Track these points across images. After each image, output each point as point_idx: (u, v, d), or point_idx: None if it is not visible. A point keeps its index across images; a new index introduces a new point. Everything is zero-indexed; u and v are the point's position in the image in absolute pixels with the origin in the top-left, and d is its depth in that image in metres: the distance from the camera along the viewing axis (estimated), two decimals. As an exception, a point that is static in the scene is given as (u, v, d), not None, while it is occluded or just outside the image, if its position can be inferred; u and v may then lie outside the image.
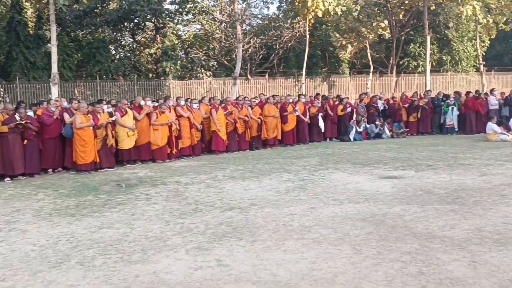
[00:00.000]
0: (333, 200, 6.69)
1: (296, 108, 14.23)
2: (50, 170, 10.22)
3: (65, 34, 24.88)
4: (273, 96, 14.91)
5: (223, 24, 28.42)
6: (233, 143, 13.02)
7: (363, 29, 25.72)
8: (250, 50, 26.80)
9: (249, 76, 27.05)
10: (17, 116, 9.59)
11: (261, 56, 27.86)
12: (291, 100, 14.64)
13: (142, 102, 11.63)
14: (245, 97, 14.66)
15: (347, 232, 5.12)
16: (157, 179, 8.97)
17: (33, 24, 23.85)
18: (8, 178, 9.37)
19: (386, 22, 26.52)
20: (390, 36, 28.26)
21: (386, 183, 7.82)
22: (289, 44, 27.42)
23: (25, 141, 9.69)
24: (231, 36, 26.90)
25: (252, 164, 10.51)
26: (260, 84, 26.01)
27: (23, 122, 9.52)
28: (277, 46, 27.48)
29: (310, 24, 25.26)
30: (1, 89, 21.54)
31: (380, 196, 6.82)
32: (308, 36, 24.90)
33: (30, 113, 10.27)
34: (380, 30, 25.89)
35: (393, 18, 27.94)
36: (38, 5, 20.14)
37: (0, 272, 4.26)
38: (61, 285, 3.92)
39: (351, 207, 6.26)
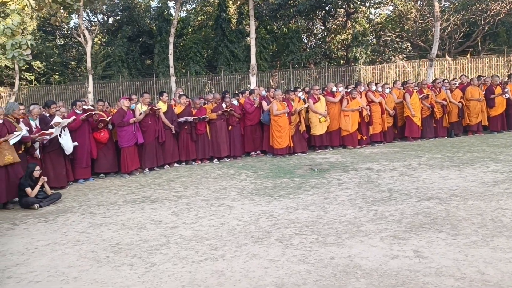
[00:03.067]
0: (556, 196, 5.71)
1: (506, 90, 12.52)
2: (252, 153, 11.13)
3: (262, 27, 26.64)
4: (478, 77, 13.39)
5: (418, 3, 26.62)
6: (429, 129, 12.16)
7: None
8: (449, 28, 24.55)
9: (447, 56, 24.86)
10: (223, 105, 10.68)
11: (462, 34, 25.26)
12: (498, 81, 12.93)
13: (334, 89, 11.71)
14: (443, 80, 13.51)
15: None
16: (348, 165, 8.96)
17: (235, 20, 26.17)
18: (216, 160, 10.54)
19: None
20: None
21: None
22: (497, 18, 24.19)
23: (230, 127, 10.73)
24: (428, 15, 25.04)
25: (451, 152, 9.67)
26: (461, 65, 23.65)
27: (229, 110, 10.54)
28: (482, 21, 24.52)
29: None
30: (208, 81, 24.30)
31: None
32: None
33: (234, 101, 11.32)
34: None
35: None
36: (239, 2, 21.95)
37: (212, 241, 4.82)
38: (263, 259, 4.23)
39: None
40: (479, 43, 26.70)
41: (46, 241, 5.25)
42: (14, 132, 7.21)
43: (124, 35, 26.30)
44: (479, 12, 24.10)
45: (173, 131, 10.02)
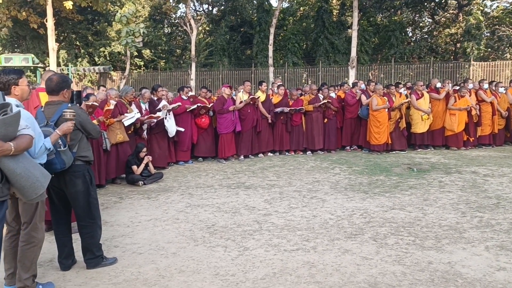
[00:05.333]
0: None
1: None
2: (348, 147, 10.93)
3: (365, 19, 25.88)
4: None
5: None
6: (548, 134, 11.03)
7: None
8: None
9: None
10: (320, 97, 10.58)
11: None
12: None
13: (439, 85, 11.06)
14: None
15: None
16: (451, 166, 8.44)
17: (337, 11, 25.70)
18: (310, 152, 10.50)
19: None
20: None
21: None
22: None
23: (326, 119, 10.61)
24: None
25: None
26: None
27: (326, 101, 10.42)
28: None
29: None
30: (305, 72, 24.20)
31: None
32: None
33: (332, 94, 11.16)
34: None
35: None
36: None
37: (304, 232, 4.83)
38: (355, 255, 4.14)
39: None
40: None
41: (148, 216, 5.63)
42: (127, 114, 7.79)
43: (227, 24, 27.07)
44: None
45: (269, 121, 10.15)
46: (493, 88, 11.22)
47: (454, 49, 25.65)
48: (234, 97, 9.98)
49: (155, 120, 8.56)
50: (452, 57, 25.68)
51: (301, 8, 29.04)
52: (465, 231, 4.76)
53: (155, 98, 9.17)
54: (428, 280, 3.58)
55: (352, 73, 19.07)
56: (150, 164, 7.85)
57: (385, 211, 5.59)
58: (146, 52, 25.67)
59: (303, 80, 23.99)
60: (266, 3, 26.05)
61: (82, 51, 25.13)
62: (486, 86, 11.11)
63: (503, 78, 19.87)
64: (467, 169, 8.16)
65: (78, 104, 3.92)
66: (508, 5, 27.14)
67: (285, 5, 29.37)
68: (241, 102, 9.74)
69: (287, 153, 10.50)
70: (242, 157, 9.92)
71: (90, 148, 3.98)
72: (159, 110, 8.66)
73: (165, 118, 8.78)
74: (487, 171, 7.93)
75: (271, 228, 5.00)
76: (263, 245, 4.46)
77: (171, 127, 8.88)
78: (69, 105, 3.73)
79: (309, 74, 24.18)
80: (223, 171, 8.63)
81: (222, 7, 29.63)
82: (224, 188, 7.12)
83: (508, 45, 23.82)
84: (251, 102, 9.82)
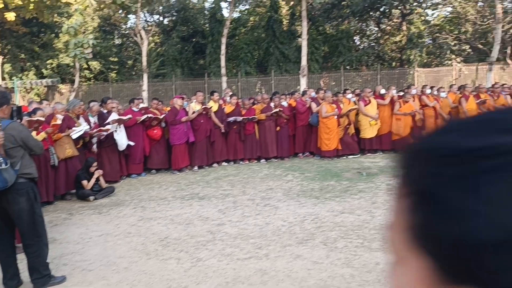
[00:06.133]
0: None
1: None
2: (300, 154, 11.12)
3: (314, 28, 26.48)
4: (541, 82, 12.70)
5: (478, 4, 25.57)
6: (486, 135, 11.67)
7: None
8: (511, 31, 23.41)
9: (508, 60, 23.72)
10: (272, 105, 10.74)
11: (525, 36, 24.01)
12: None
13: (383, 91, 11.49)
14: (503, 85, 12.93)
15: None
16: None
17: (287, 21, 26.19)
18: (264, 160, 10.62)
19: None
20: None
21: None
22: None
23: (278, 127, 10.78)
24: (488, 16, 23.99)
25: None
26: (523, 69, 22.52)
27: (277, 111, 10.59)
28: (548, 23, 23.20)
29: None
30: (259, 82, 24.47)
31: None
32: None
33: (283, 102, 11.35)
34: None
35: None
36: (292, 2, 21.95)
37: (257, 240, 4.89)
38: (306, 260, 4.24)
39: None
40: (545, 47, 25.26)
41: (99, 231, 5.51)
42: (74, 128, 7.61)
43: (178, 35, 26.99)
44: (545, 14, 22.84)
45: (223, 131, 10.20)
46: (435, 93, 11.77)
47: (399, 56, 26.70)
48: (187, 108, 9.97)
49: (105, 134, 8.41)
50: (398, 64, 26.72)
51: (252, 18, 29.38)
52: (410, 231, 4.97)
53: (105, 111, 9.01)
54: (375, 281, 3.72)
55: (303, 81, 19.45)
56: (101, 178, 7.69)
57: (335, 215, 5.75)
58: (96, 64, 25.15)
59: (257, 89, 24.23)
60: (219, 13, 26.19)
61: (28, 63, 24.28)
62: (428, 91, 11.65)
63: (445, 83, 20.87)
64: (413, 171, 8.50)
65: (18, 120, 3.82)
66: (447, 13, 28.61)
67: (236, 15, 29.64)
68: (193, 112, 9.74)
69: (241, 162, 10.56)
70: (196, 167, 9.89)
71: (33, 165, 3.88)
72: (109, 123, 8.52)
73: (115, 131, 8.64)
74: (431, 172, 8.30)
75: (225, 238, 5.03)
76: (216, 255, 4.48)
77: (121, 140, 8.74)
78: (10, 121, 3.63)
79: (262, 83, 24.46)
80: (177, 182, 8.58)
81: (173, 18, 29.52)
82: (177, 199, 7.09)
83: (448, 52, 25.04)
84: (204, 112, 9.84)
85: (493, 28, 21.31)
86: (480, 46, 25.39)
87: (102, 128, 8.32)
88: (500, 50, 21.49)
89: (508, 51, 24.36)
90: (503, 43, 23.15)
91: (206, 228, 5.45)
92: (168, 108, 10.52)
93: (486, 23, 24.14)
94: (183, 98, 10.13)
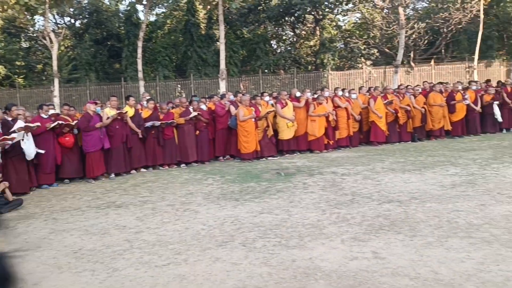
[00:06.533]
0: (508, 198, 5.98)
1: (466, 96, 12.98)
2: (221, 157, 11.15)
3: (231, 32, 26.71)
4: (439, 83, 13.84)
5: (384, 10, 27.30)
6: (394, 134, 12.48)
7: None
8: (413, 36, 25.25)
9: (412, 63, 25.56)
10: (191, 109, 10.68)
11: (426, 41, 26.00)
12: (459, 88, 13.39)
13: (298, 94, 11.88)
14: (407, 86, 13.92)
15: (524, 234, 4.53)
16: (314, 169, 9.11)
17: (205, 24, 26.17)
18: (184, 165, 10.52)
19: None
20: None
21: None
22: (459, 26, 25.03)
23: (197, 131, 10.73)
24: (393, 22, 25.70)
25: (414, 157, 9.96)
26: (425, 72, 24.39)
27: (196, 114, 10.54)
28: (445, 29, 25.32)
29: (486, 3, 22.72)
30: (178, 86, 24.19)
31: None
32: (482, 16, 22.46)
33: (203, 106, 11.33)
34: None
35: None
36: (208, 7, 21.98)
37: (176, 246, 4.83)
38: (226, 262, 4.27)
39: (531, 206, 5.51)
40: (442, 51, 27.56)
41: (4, 248, 5.13)
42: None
43: (91, 38, 25.92)
44: (442, 21, 24.91)
45: (140, 136, 9.95)
46: (347, 94, 12.38)
47: (314, 60, 27.75)
48: (101, 113, 9.61)
49: (10, 143, 7.85)
50: (313, 67, 27.76)
51: (169, 22, 29.00)
52: (324, 227, 5.19)
53: (9, 119, 8.42)
54: (292, 277, 3.83)
55: (222, 85, 19.53)
56: (7, 191, 7.17)
57: (255, 216, 5.84)
58: (1, 68, 23.39)
59: (177, 93, 23.93)
60: (134, 16, 25.51)
61: None
62: (340, 93, 12.23)
63: (356, 85, 22.03)
64: (327, 170, 8.88)
65: None
66: (357, 19, 30.24)
67: (153, 18, 29.08)
68: (108, 118, 9.41)
69: (160, 168, 10.37)
70: (113, 175, 9.56)
71: None
72: (15, 131, 7.96)
73: (22, 139, 8.10)
74: (345, 170, 8.72)
75: (142, 246, 4.91)
76: (134, 264, 4.36)
77: (29, 149, 8.21)
78: None
79: (182, 87, 24.21)
80: (92, 191, 8.23)
81: (86, 20, 28.28)
82: (92, 209, 6.80)
83: (359, 56, 26.45)
84: (119, 118, 9.54)
85: (398, 34, 22.88)
86: (387, 50, 27.13)
87: (6, 137, 7.76)
88: (404, 54, 23.13)
89: (412, 55, 26.26)
90: (407, 47, 24.94)
91: (123, 237, 5.28)
92: (81, 114, 10.08)
93: (391, 28, 25.83)
94: (96, 103, 9.76)
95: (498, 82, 15.12)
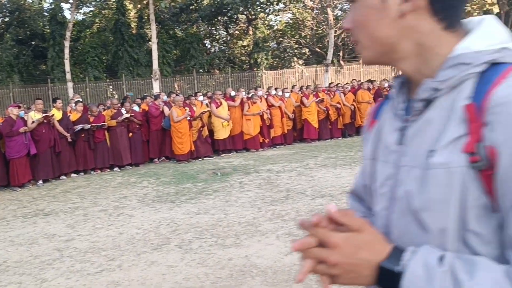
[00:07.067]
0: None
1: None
2: (156, 159, 10.95)
3: (164, 32, 26.27)
4: (367, 81, 14.47)
5: (314, 11, 28.07)
6: (325, 131, 12.89)
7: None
8: (342, 36, 26.19)
9: (341, 62, 26.50)
10: (123, 110, 10.40)
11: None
12: (386, 85, 14.07)
13: (233, 93, 11.96)
14: (337, 84, 14.42)
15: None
16: (250, 167, 9.20)
17: (136, 24, 25.53)
18: (117, 168, 10.23)
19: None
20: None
21: None
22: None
23: (130, 133, 10.48)
24: (323, 23, 26.50)
25: (344, 152, 10.34)
26: (354, 70, 25.35)
27: (129, 116, 10.29)
28: (371, 29, 26.42)
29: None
30: (110, 86, 23.43)
31: None
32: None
33: (136, 107, 11.07)
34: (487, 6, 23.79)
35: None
36: (139, 6, 21.48)
37: (110, 252, 4.71)
38: (161, 265, 4.22)
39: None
40: (370, 50, 28.71)
41: None
42: None
43: (13, 37, 24.45)
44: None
45: (69, 140, 9.56)
46: (280, 93, 12.61)
47: (248, 59, 27.96)
48: (25, 117, 9.11)
49: None
50: (247, 67, 27.96)
51: (98, 21, 28.00)
52: (260, 224, 5.27)
53: None
54: (228, 276, 3.86)
55: (156, 85, 19.19)
56: None
57: (191, 217, 5.81)
58: None
59: (109, 94, 23.15)
60: (60, 15, 24.34)
61: None
62: (274, 92, 12.44)
63: (290, 84, 22.48)
64: (263, 168, 9.01)
65: None
66: (289, 19, 30.83)
67: (80, 17, 27.93)
68: (33, 122, 8.94)
69: (92, 172, 10.02)
70: (41, 181, 9.10)
71: None
72: None
73: None
74: (280, 167, 8.89)
75: (74, 254, 4.73)
76: (64, 273, 4.20)
77: None
78: None
79: (114, 87, 23.46)
80: (18, 200, 7.80)
81: (7, 19, 26.62)
82: (19, 218, 6.45)
83: (292, 55, 27.01)
84: (45, 121, 9.10)
85: (327, 33, 23.62)
86: (318, 49, 27.92)
87: None
88: (334, 53, 23.92)
89: (341, 54, 27.21)
90: (336, 46, 25.81)
91: (52, 246, 5.06)
92: (3, 119, 9.51)
93: (321, 28, 26.62)
94: (19, 107, 9.25)
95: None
